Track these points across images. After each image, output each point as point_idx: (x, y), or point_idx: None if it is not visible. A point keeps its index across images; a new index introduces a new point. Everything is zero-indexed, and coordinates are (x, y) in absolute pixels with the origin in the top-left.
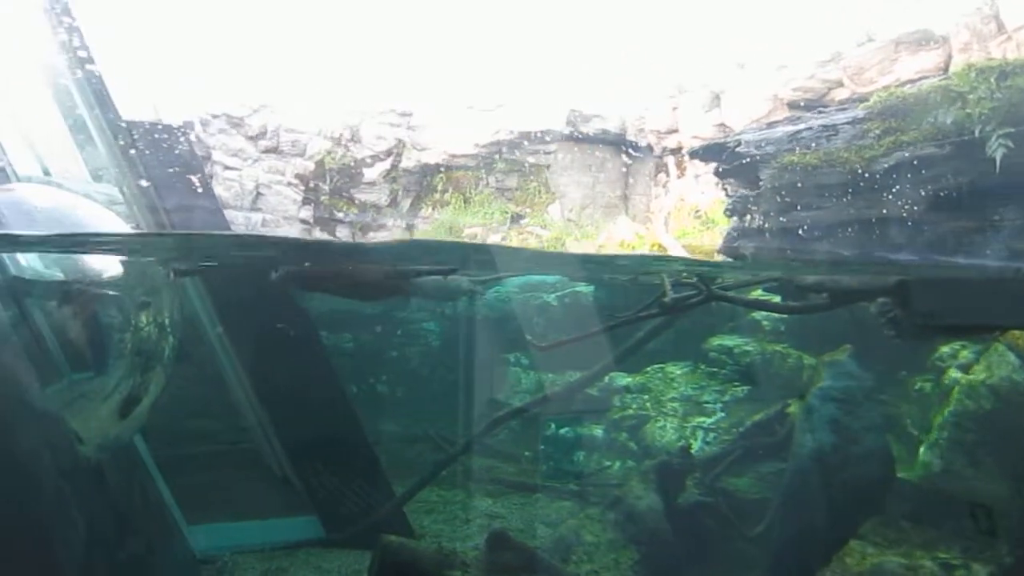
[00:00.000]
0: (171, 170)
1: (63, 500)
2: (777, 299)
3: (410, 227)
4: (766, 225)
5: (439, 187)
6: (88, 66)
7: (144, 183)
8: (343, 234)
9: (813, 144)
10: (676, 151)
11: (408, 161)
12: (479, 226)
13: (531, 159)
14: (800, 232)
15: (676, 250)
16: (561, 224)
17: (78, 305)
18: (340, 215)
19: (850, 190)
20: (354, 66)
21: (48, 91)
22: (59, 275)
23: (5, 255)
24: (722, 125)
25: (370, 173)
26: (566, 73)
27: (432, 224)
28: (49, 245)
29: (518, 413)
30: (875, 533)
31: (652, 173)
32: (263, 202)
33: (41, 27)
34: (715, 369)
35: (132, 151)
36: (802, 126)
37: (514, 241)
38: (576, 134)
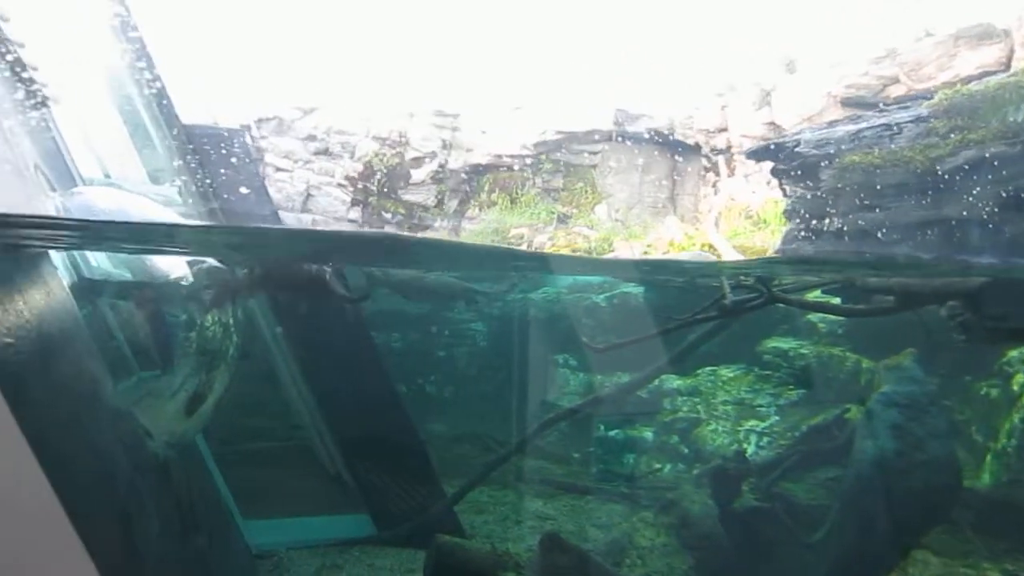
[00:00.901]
0: (227, 172)
1: (139, 495)
2: (837, 301)
3: (456, 228)
4: (844, 228)
5: (485, 188)
6: (149, 71)
7: (216, 187)
8: None
9: (875, 143)
10: (725, 150)
11: (455, 162)
12: (525, 226)
13: (577, 159)
14: (872, 234)
15: (727, 251)
16: (608, 224)
17: (145, 304)
18: (388, 216)
19: (929, 191)
20: (401, 68)
21: (108, 95)
22: (127, 275)
23: (77, 255)
24: (772, 124)
25: (417, 174)
26: (613, 73)
27: (479, 225)
28: (121, 237)
29: (570, 414)
30: (940, 543)
31: (700, 173)
32: (313, 203)
33: (104, 34)
34: (769, 372)
35: (191, 154)
36: (863, 125)
37: (561, 242)
38: (623, 134)
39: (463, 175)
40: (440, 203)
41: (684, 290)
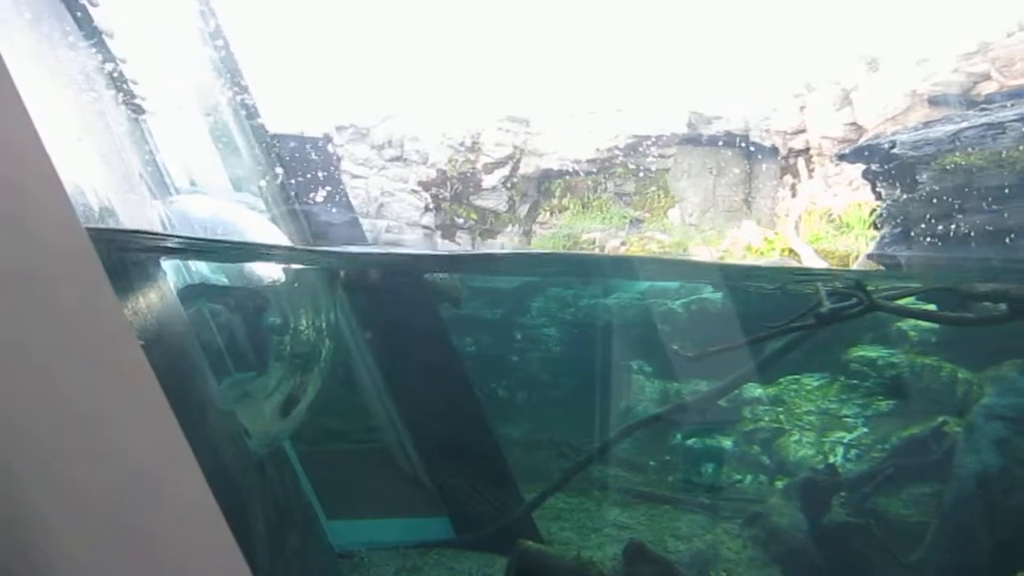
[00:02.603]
0: (311, 180)
1: (248, 491)
2: (932, 307)
3: (528, 233)
4: (970, 233)
5: (557, 193)
6: (236, 81)
7: (300, 195)
8: (463, 240)
9: (977, 144)
10: (804, 152)
11: (527, 167)
12: (598, 231)
13: (650, 163)
14: (1000, 238)
15: (809, 255)
16: (682, 229)
17: (241, 308)
18: (460, 221)
19: None
20: (474, 75)
21: (194, 104)
22: (224, 280)
23: (178, 260)
24: (854, 124)
25: (489, 179)
26: (686, 75)
27: (551, 230)
28: (225, 253)
29: (653, 421)
30: None
31: (778, 175)
32: (387, 209)
33: (194, 45)
34: (856, 381)
35: (276, 162)
36: (964, 125)
37: (635, 247)
38: (697, 136)
39: (535, 180)
40: (512, 208)
41: (766, 296)
